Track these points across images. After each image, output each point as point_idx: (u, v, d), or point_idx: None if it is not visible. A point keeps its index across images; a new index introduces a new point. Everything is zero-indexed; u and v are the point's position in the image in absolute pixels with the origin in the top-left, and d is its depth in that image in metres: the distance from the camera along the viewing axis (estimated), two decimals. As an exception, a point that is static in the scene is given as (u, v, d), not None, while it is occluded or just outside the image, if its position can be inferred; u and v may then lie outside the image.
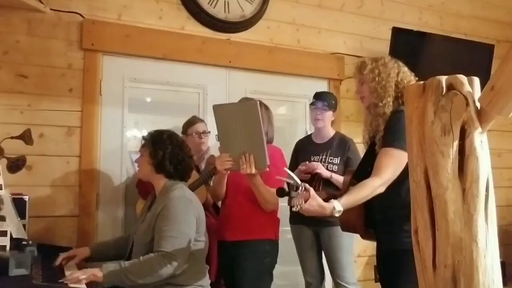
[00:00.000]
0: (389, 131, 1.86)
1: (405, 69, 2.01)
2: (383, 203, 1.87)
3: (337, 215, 1.75)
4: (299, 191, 1.73)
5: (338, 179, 2.75)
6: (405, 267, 1.63)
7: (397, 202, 1.81)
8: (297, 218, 2.91)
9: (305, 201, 1.72)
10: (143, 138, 2.28)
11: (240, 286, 2.36)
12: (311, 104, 2.97)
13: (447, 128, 1.10)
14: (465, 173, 1.10)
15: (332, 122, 3.02)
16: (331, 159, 2.87)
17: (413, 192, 1.18)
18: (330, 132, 2.98)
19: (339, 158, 2.87)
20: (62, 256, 2.17)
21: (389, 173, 1.79)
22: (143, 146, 2.24)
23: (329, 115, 2.94)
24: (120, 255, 2.23)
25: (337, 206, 1.74)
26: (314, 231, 2.89)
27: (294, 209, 1.72)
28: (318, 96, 2.97)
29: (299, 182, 1.75)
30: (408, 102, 1.20)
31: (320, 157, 2.90)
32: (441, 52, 3.79)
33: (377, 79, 1.96)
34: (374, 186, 1.80)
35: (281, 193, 1.81)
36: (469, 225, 1.08)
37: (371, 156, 1.95)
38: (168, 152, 2.16)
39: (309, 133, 3.27)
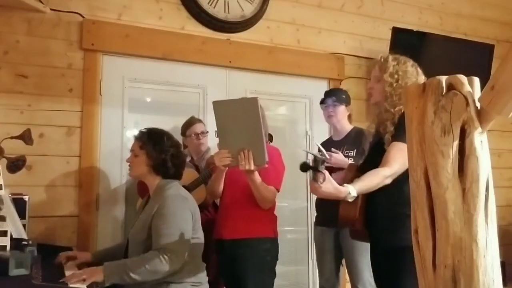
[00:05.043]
0: (400, 127, 1.86)
1: (422, 77, 2.01)
2: (387, 198, 1.88)
3: (350, 200, 1.74)
4: (324, 167, 1.62)
5: None
6: (406, 264, 1.62)
7: (401, 198, 1.81)
8: (322, 220, 2.85)
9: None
10: (138, 138, 2.23)
11: (244, 286, 2.34)
12: (321, 102, 2.91)
13: (447, 128, 1.10)
14: (465, 173, 1.10)
15: (349, 117, 2.94)
16: (347, 153, 2.80)
17: (413, 192, 1.18)
18: (347, 127, 2.90)
19: (355, 150, 2.80)
20: (63, 254, 2.20)
21: (398, 165, 1.81)
22: (140, 147, 2.20)
23: (341, 109, 2.87)
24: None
25: (352, 191, 1.73)
26: (335, 232, 2.80)
27: (319, 182, 1.62)
28: (327, 94, 2.92)
29: (328, 157, 1.64)
30: (408, 102, 1.20)
31: None
32: (441, 52, 3.79)
33: (394, 85, 1.96)
34: (384, 175, 1.81)
35: (305, 167, 1.67)
36: (469, 225, 1.08)
37: (376, 154, 1.95)
38: (170, 155, 2.17)
39: (309, 133, 3.27)
